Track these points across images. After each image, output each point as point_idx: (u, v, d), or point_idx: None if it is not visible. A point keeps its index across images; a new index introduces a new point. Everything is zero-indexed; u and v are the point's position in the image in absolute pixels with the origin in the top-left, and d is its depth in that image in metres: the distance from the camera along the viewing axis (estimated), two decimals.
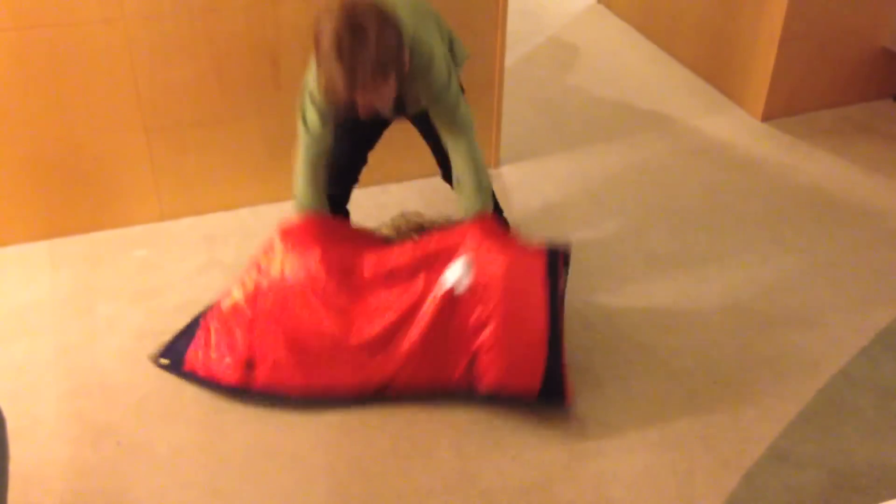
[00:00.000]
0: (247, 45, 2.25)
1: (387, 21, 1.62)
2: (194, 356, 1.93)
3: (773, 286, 2.27)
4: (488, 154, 2.73)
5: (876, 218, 2.54)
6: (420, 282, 1.86)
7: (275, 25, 2.25)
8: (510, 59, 3.44)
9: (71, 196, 2.33)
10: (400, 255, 1.89)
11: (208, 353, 1.91)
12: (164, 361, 1.99)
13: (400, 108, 1.89)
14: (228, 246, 2.39)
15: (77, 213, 2.37)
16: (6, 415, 1.23)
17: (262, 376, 1.87)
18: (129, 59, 2.17)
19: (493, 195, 1.99)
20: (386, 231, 2.07)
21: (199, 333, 1.96)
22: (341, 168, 2.01)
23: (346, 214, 2.15)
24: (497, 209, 2.06)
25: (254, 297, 1.89)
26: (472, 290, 1.82)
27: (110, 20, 2.09)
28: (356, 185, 2.12)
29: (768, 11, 2.91)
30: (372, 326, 1.86)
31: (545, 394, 1.80)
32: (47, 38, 2.08)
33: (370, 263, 1.91)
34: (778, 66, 2.96)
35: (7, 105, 2.14)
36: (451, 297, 1.82)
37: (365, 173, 2.09)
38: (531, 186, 2.69)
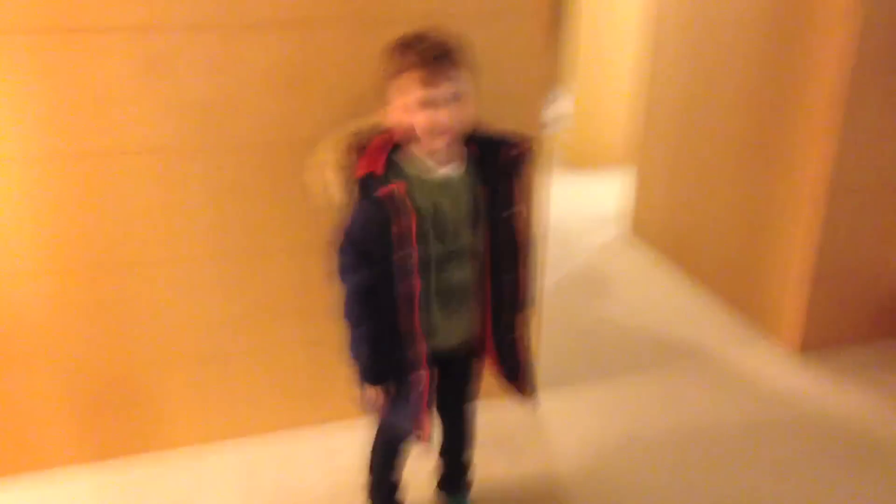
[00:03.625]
0: (298, 284, 2.38)
1: None
2: None
3: None
4: None
5: None
6: None
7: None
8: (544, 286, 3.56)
9: (115, 420, 2.39)
10: None
11: None
12: None
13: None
14: (268, 474, 2.41)
15: (119, 437, 2.42)
16: None
17: None
18: (192, 296, 2.30)
19: None
20: None
21: None
22: None
23: None
24: None
25: None
26: None
27: (176, 259, 2.24)
28: None
29: (798, 251, 3.02)
30: None
31: None
32: (117, 281, 2.22)
33: None
34: (812, 303, 3.03)
35: (70, 329, 2.25)
36: None
37: None
38: (569, 416, 2.70)
